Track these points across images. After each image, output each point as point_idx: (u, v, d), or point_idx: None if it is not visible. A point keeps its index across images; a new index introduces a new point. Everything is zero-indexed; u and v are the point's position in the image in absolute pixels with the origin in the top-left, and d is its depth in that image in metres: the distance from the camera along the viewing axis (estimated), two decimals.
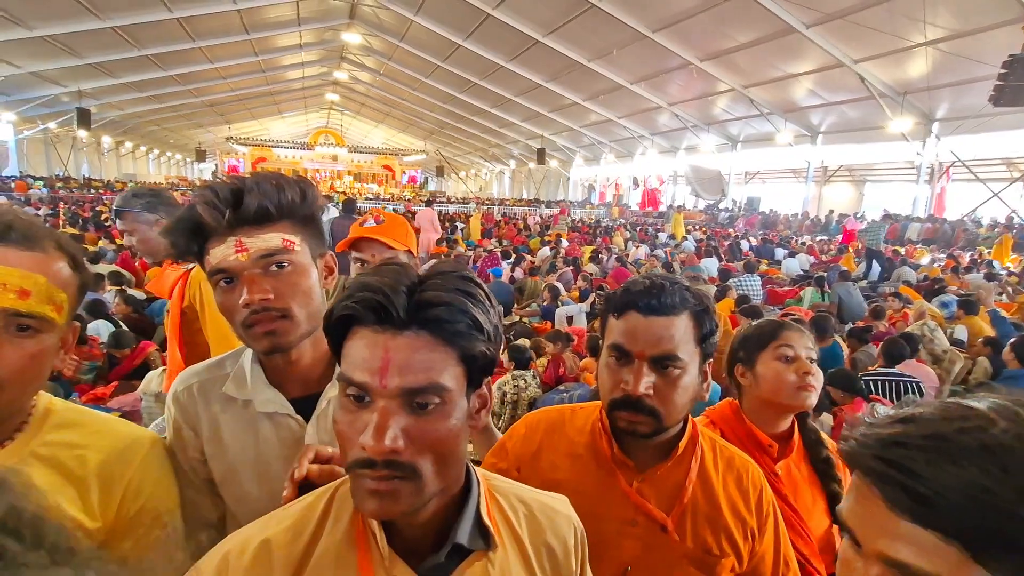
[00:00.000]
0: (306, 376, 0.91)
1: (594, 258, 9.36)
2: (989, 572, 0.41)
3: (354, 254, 1.50)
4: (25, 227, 0.71)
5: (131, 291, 5.05)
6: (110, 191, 21.09)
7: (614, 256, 9.74)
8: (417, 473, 0.54)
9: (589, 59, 15.20)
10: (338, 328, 0.57)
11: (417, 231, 11.60)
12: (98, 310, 4.16)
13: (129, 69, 16.29)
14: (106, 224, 10.81)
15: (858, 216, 16.31)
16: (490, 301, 0.59)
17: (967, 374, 4.20)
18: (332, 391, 0.90)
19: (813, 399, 1.16)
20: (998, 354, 4.04)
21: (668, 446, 0.89)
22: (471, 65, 17.90)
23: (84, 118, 17.07)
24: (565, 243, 11.52)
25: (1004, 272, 8.84)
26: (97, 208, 15.00)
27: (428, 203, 13.37)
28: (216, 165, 30.16)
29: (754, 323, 1.25)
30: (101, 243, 7.98)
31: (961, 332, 4.84)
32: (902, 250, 11.18)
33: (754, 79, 14.17)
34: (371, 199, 22.79)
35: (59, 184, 19.46)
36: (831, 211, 17.74)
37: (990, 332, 4.76)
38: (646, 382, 0.81)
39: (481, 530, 0.63)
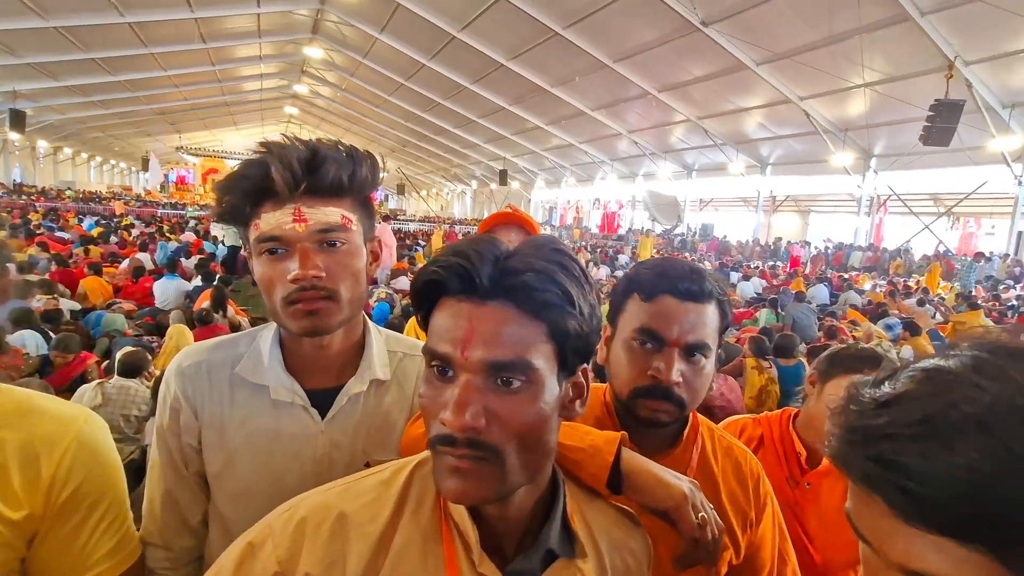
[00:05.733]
0: (329, 366, 0.83)
1: None
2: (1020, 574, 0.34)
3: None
4: None
5: (66, 301, 4.66)
6: (44, 198, 19.84)
7: None
8: (500, 456, 0.50)
9: (552, 84, 15.56)
10: (426, 298, 0.54)
11: (383, 248, 11.37)
12: (26, 319, 3.81)
13: (73, 72, 15.43)
14: (37, 232, 10.13)
15: (808, 244, 17.22)
16: (586, 278, 0.54)
17: None
18: (355, 387, 0.83)
19: None
20: None
21: (670, 435, 0.86)
22: (435, 85, 17.97)
23: (18, 120, 15.98)
24: None
25: (936, 298, 9.46)
26: (28, 215, 13.99)
27: (386, 218, 13.15)
28: (164, 175, 28.86)
29: (859, 348, 1.24)
30: (32, 251, 7.38)
31: (907, 352, 5.09)
32: (847, 276, 11.83)
33: (708, 111, 14.85)
34: None
35: None
36: (779, 238, 18.66)
37: (931, 351, 5.01)
38: (679, 369, 0.78)
39: (567, 535, 0.59)
